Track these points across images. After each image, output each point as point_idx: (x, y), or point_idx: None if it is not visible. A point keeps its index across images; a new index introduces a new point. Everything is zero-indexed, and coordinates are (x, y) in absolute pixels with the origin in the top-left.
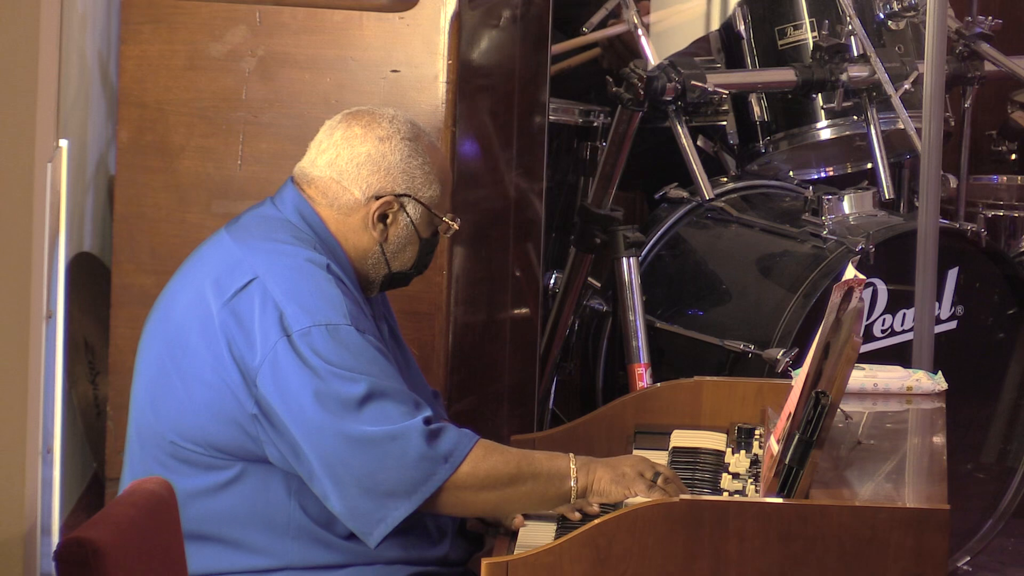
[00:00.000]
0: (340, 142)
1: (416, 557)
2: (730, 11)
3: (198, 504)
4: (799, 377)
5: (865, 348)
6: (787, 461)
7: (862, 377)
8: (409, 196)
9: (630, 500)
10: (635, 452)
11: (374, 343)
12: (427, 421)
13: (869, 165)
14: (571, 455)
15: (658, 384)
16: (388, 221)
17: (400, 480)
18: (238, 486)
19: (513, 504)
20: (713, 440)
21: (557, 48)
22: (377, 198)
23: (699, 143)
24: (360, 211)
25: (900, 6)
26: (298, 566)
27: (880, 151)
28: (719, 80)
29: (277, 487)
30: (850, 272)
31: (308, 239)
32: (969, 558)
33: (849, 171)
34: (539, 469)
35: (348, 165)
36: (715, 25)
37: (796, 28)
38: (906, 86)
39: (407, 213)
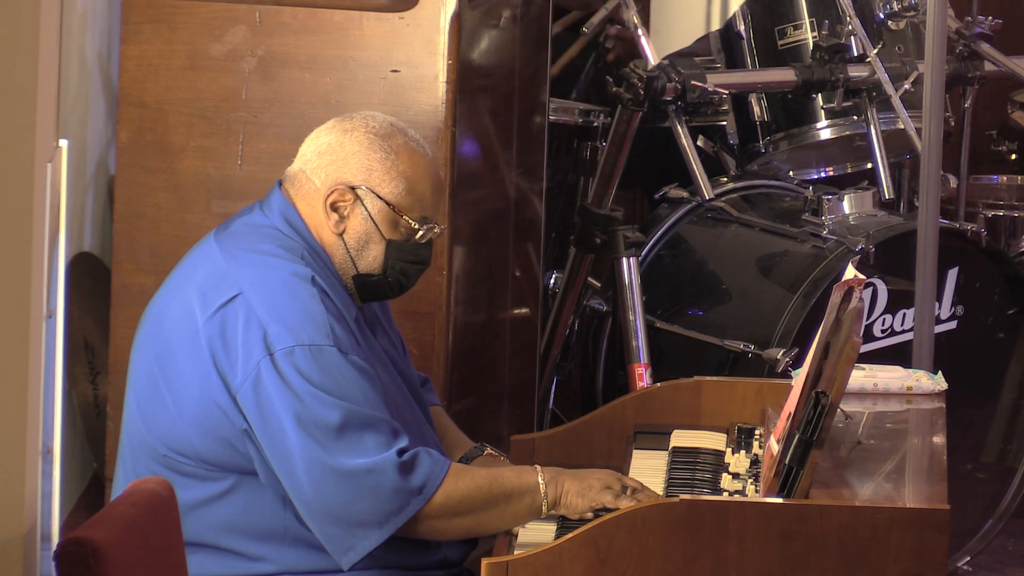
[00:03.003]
0: (312, 136)
1: (413, 563)
2: (731, 13)
3: (193, 514)
4: (799, 377)
5: (865, 348)
6: (787, 461)
7: (862, 377)
8: (366, 188)
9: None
10: (635, 452)
11: (357, 363)
12: (401, 452)
13: (869, 165)
14: (538, 468)
15: (658, 384)
16: (345, 213)
17: (373, 511)
18: (231, 498)
19: (486, 526)
20: (713, 440)
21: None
22: (333, 187)
23: (699, 143)
24: (320, 200)
25: (900, 6)
26: (296, 570)
27: (880, 151)
28: (719, 80)
29: (271, 498)
30: (850, 272)
31: (295, 247)
32: (969, 558)
33: (849, 171)
34: (509, 489)
35: (312, 154)
36: (715, 25)
37: (796, 28)
38: (906, 86)
39: (365, 207)
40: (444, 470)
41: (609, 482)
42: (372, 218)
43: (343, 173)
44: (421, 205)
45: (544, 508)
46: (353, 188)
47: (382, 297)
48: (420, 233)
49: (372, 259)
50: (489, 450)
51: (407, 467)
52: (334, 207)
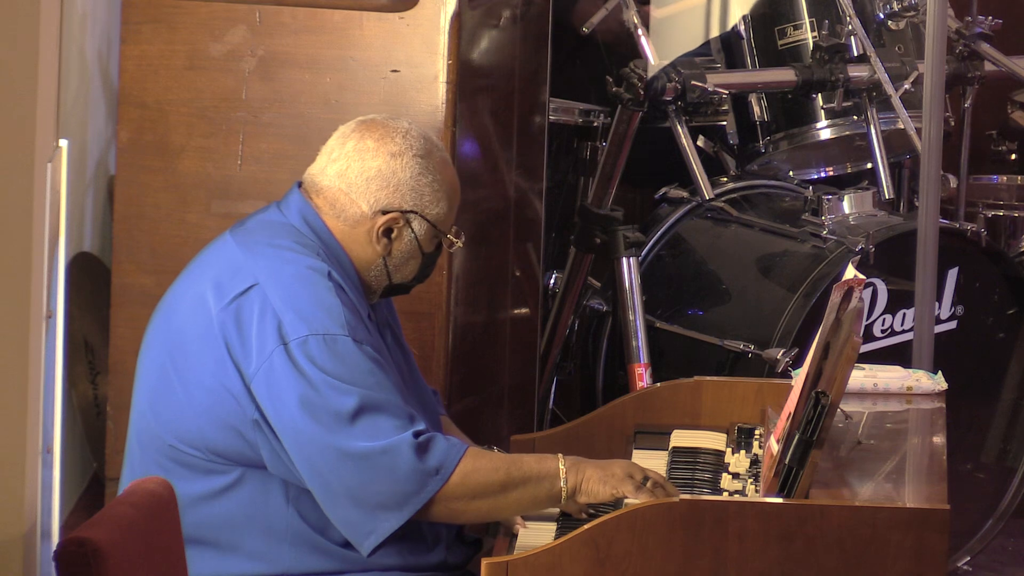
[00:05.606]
0: (352, 154)
1: (412, 564)
2: (732, 22)
3: (197, 509)
4: (799, 377)
5: (865, 348)
6: (787, 461)
7: (862, 377)
8: (416, 213)
9: (628, 500)
10: (635, 452)
11: (370, 353)
12: (417, 434)
13: (869, 165)
14: (560, 456)
15: (658, 384)
16: (393, 236)
17: (391, 493)
18: (236, 491)
19: (504, 510)
20: (713, 440)
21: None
22: (384, 213)
23: (699, 143)
24: (365, 224)
25: (900, 6)
26: (294, 572)
27: (880, 151)
28: (719, 80)
29: (275, 493)
30: (850, 272)
31: (311, 245)
32: (969, 558)
33: (849, 171)
34: (528, 473)
35: (358, 178)
36: (715, 32)
37: (796, 28)
38: (906, 86)
39: (412, 229)
40: (461, 452)
41: (631, 471)
42: (417, 238)
43: (394, 200)
44: (453, 216)
45: (564, 495)
46: (404, 213)
47: (397, 295)
48: (451, 243)
49: (409, 272)
50: (497, 452)
51: (423, 448)
52: (387, 233)
